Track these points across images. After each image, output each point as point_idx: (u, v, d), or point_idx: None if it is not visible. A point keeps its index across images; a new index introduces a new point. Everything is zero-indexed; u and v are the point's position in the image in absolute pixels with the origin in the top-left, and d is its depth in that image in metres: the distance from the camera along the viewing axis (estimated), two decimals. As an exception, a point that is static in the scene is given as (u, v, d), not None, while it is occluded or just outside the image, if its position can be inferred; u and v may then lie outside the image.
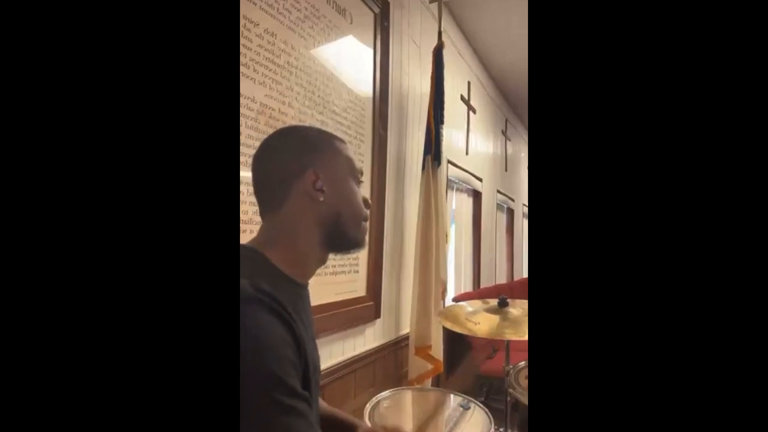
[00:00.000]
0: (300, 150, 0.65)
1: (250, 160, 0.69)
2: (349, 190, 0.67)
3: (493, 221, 3.85)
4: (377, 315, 1.80)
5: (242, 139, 1.13)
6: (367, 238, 0.70)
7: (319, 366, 0.67)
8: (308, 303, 0.68)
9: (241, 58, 1.13)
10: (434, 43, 2.08)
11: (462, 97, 2.94)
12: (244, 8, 1.14)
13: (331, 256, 0.68)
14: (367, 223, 0.69)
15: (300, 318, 0.60)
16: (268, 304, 0.53)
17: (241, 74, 1.12)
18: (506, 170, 4.29)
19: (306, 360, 0.56)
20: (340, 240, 0.67)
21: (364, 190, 1.71)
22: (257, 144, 0.66)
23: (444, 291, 2.06)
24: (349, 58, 1.62)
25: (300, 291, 0.64)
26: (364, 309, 1.69)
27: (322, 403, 0.80)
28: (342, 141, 0.70)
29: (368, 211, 0.69)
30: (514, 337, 1.22)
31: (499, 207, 4.17)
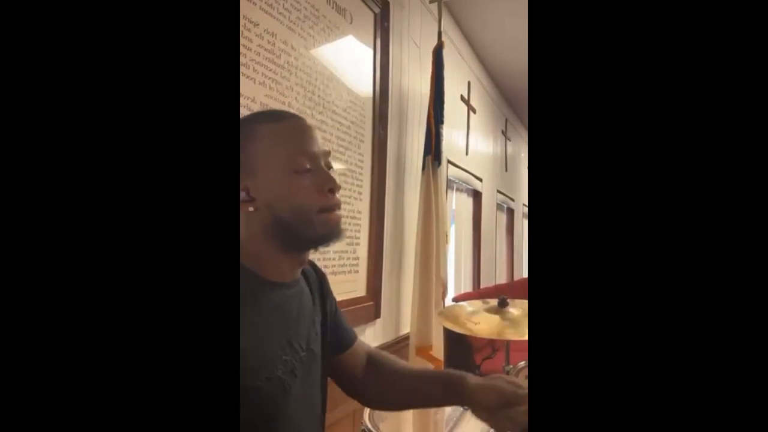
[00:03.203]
0: None
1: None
2: (286, 188, 0.57)
3: (493, 221, 3.85)
4: (377, 315, 1.80)
5: (242, 139, 1.13)
6: (340, 227, 0.61)
7: (313, 348, 0.65)
8: (296, 299, 0.64)
9: (241, 58, 1.13)
10: (434, 43, 2.08)
11: (462, 97, 2.94)
12: (244, 8, 1.14)
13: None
14: (333, 213, 0.59)
15: (283, 318, 0.60)
16: None
17: (241, 74, 1.12)
18: (506, 170, 4.29)
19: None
20: (297, 242, 0.60)
21: (364, 190, 1.71)
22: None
23: (444, 291, 2.05)
24: (349, 58, 1.62)
25: (283, 291, 0.61)
26: (364, 309, 1.68)
27: (416, 368, 0.79)
28: (279, 118, 0.60)
29: (333, 197, 0.59)
30: (514, 337, 1.22)
31: (499, 207, 4.17)
